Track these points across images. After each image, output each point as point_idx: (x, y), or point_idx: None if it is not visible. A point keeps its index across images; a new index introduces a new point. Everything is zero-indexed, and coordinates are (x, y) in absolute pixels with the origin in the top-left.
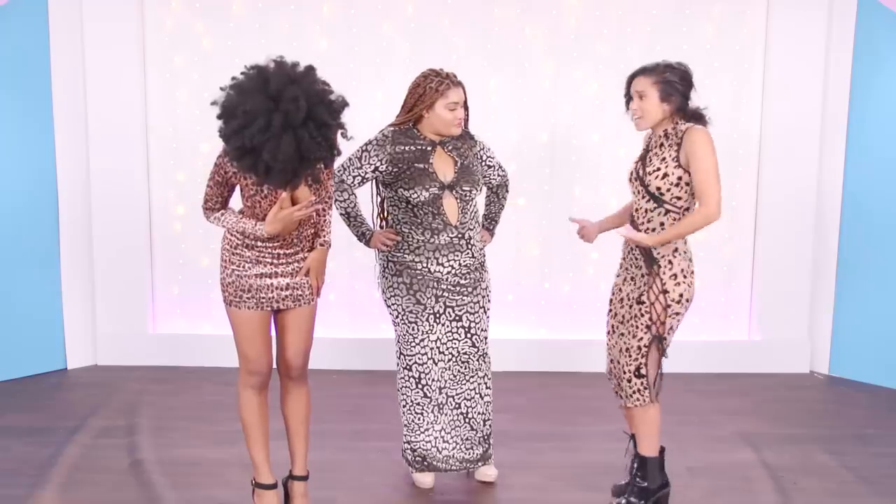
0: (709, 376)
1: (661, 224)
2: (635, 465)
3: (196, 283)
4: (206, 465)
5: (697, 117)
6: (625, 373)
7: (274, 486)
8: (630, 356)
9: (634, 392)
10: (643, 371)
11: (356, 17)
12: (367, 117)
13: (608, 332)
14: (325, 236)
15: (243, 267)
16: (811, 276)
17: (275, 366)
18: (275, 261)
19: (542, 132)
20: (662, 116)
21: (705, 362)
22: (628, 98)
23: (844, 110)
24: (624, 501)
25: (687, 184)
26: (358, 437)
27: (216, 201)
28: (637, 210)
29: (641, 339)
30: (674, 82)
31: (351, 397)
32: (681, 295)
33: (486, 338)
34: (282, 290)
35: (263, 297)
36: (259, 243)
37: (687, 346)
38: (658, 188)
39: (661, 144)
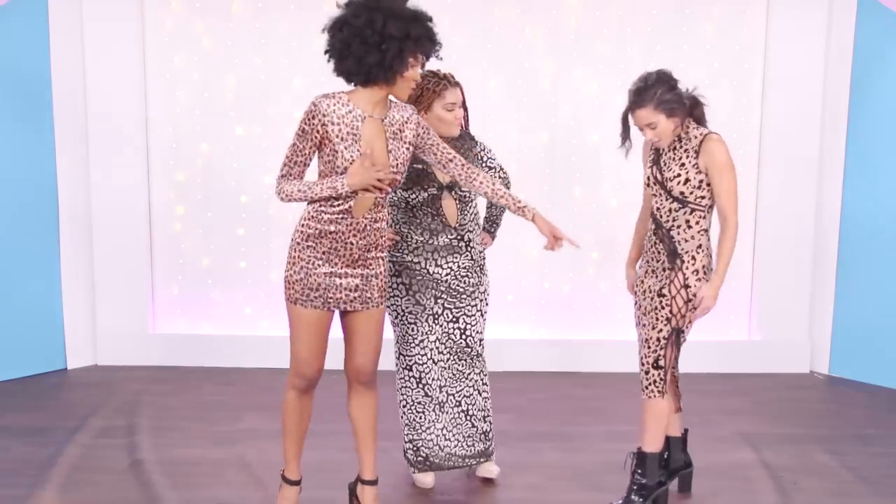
0: (709, 376)
1: (687, 221)
2: (634, 462)
3: (196, 283)
4: (206, 465)
5: (695, 103)
6: (643, 364)
7: (297, 483)
8: (649, 347)
9: (651, 384)
10: (661, 363)
11: None
12: None
13: (636, 326)
14: (529, 207)
15: (313, 264)
16: (811, 276)
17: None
18: (346, 253)
19: (542, 132)
20: (675, 127)
21: (705, 362)
22: (626, 134)
23: (844, 110)
24: (621, 501)
25: (709, 184)
26: None
27: (296, 162)
28: (659, 210)
29: (661, 331)
30: (667, 98)
31: None
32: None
33: (480, 340)
34: (351, 290)
35: (331, 297)
36: (332, 228)
37: (687, 345)
38: (682, 192)
39: (675, 148)
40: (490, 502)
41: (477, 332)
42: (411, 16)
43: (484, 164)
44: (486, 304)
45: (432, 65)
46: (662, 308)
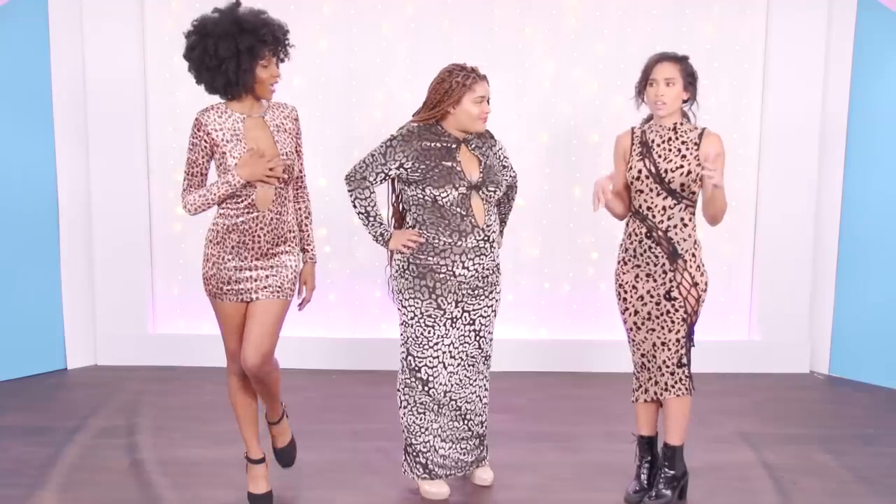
0: (708, 376)
1: (682, 220)
2: (665, 455)
3: (196, 283)
4: (206, 465)
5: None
6: (667, 366)
7: (262, 461)
8: (670, 349)
9: (677, 382)
10: (684, 361)
11: (356, 17)
12: (367, 117)
13: (630, 330)
14: (312, 251)
15: (223, 259)
16: (811, 276)
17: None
18: (255, 246)
19: (542, 132)
20: (678, 106)
21: (705, 362)
22: (643, 85)
23: (844, 110)
24: (654, 493)
25: (700, 178)
26: (358, 437)
27: (193, 174)
28: (651, 209)
29: (679, 331)
30: (692, 72)
31: (351, 397)
32: (706, 283)
33: (491, 340)
34: (261, 280)
35: (243, 289)
36: (239, 221)
37: None
38: (682, 185)
39: (670, 139)
40: (490, 502)
41: (489, 332)
42: (237, 30)
43: (501, 164)
44: (499, 303)
45: (433, 63)
46: (676, 310)
